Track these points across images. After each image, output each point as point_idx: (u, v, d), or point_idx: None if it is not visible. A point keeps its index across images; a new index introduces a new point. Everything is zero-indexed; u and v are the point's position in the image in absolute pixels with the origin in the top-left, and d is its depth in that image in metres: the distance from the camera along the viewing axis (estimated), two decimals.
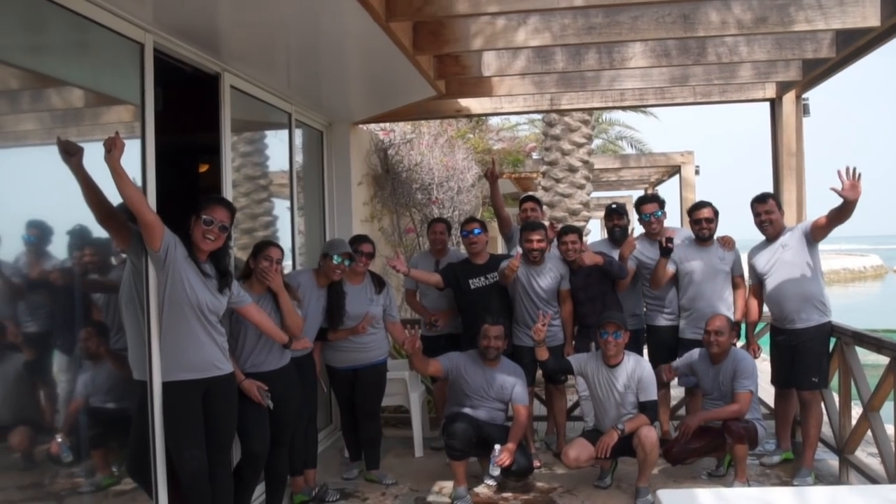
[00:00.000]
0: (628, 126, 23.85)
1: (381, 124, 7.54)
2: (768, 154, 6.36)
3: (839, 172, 4.42)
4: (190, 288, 3.53)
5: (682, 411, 6.06)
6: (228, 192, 4.65)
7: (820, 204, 5.00)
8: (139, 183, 3.60)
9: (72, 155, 3.16)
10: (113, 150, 3.10)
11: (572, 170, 9.29)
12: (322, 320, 4.87)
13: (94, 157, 3.18)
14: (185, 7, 3.60)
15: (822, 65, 5.27)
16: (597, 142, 19.53)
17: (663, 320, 5.59)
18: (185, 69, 4.34)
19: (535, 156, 11.88)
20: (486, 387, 4.93)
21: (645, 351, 5.77)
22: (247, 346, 4.19)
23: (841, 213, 4.62)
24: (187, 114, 4.84)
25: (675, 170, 13.08)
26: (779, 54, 5.04)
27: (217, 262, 3.71)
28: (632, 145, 22.83)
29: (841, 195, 4.47)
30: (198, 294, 3.56)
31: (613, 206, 6.02)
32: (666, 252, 5.17)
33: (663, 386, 5.48)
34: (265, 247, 4.21)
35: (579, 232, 5.42)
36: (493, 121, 12.96)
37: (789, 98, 6.07)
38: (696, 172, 12.23)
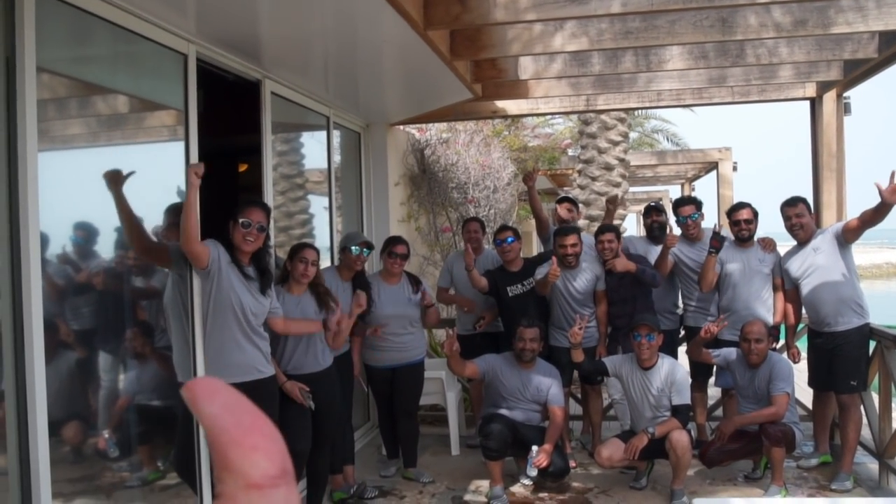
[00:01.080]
0: (665, 120, 23.55)
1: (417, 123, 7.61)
2: (809, 153, 6.28)
3: (893, 174, 4.39)
4: (234, 294, 3.65)
5: (719, 411, 6.02)
6: (269, 192, 4.76)
7: (862, 205, 4.95)
8: (182, 185, 3.73)
9: (115, 183, 3.28)
10: (194, 179, 3.26)
11: (608, 168, 9.27)
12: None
13: (137, 158, 3.30)
14: (227, 19, 3.71)
15: (863, 65, 5.21)
16: (632, 135, 19.33)
17: (706, 323, 5.57)
18: (227, 76, 4.46)
19: (570, 152, 11.85)
20: (522, 388, 4.98)
21: (681, 351, 5.76)
22: (288, 349, 4.30)
23: (876, 215, 4.59)
24: (227, 115, 4.98)
25: (712, 166, 12.92)
26: (819, 55, 5.00)
27: (258, 262, 3.82)
28: (668, 139, 22.58)
29: (882, 194, 4.44)
30: (241, 299, 3.67)
31: (653, 203, 6.05)
32: (715, 250, 5.13)
33: (699, 389, 5.48)
34: (300, 249, 4.31)
35: (616, 231, 5.43)
36: (529, 120, 12.94)
37: (830, 97, 5.99)
38: (734, 169, 12.08)
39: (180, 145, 3.80)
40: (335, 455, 4.78)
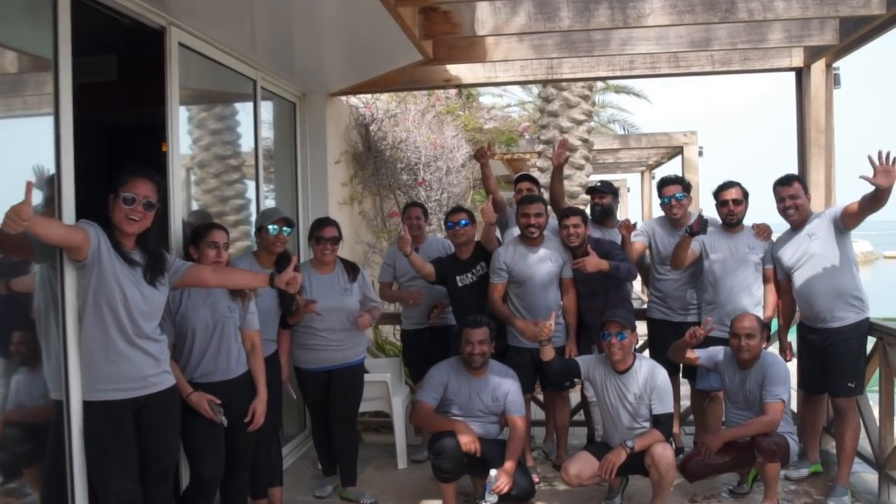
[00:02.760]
0: (622, 108, 23.20)
1: (363, 97, 6.85)
2: (771, 129, 5.77)
3: (870, 158, 3.90)
4: (118, 288, 2.89)
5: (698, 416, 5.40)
6: (177, 172, 3.99)
7: (851, 185, 4.42)
8: (52, 168, 2.96)
9: None
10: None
11: (570, 149, 8.60)
12: (278, 309, 4.22)
13: None
14: None
15: (865, 24, 4.60)
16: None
17: (658, 313, 5.08)
18: (123, 22, 3.64)
19: (528, 136, 11.23)
20: (475, 399, 4.28)
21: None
22: (195, 352, 3.53)
23: (875, 201, 4.09)
24: (145, 85, 4.13)
25: (675, 151, 12.45)
26: (819, 10, 4.36)
27: (144, 245, 3.05)
28: (624, 129, 22.17)
29: (873, 182, 3.93)
30: (126, 294, 2.92)
31: (598, 183, 5.46)
32: (693, 233, 4.51)
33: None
34: (207, 231, 3.56)
35: (584, 214, 4.76)
36: (485, 101, 12.27)
37: (818, 67, 5.43)
38: (700, 154, 11.60)
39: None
40: (257, 477, 4.05)
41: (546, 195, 5.52)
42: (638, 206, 17.92)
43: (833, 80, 5.49)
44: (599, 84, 16.51)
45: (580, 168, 8.65)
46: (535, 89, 15.10)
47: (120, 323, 2.90)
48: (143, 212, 2.97)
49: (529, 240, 4.62)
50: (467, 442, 4.06)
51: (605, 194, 5.25)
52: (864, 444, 4.67)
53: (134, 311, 2.93)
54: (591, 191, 5.38)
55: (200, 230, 3.62)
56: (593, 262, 4.49)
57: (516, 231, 4.81)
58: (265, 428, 3.88)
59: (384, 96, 7.07)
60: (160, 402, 3.09)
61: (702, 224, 4.49)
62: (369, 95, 6.84)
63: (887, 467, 4.41)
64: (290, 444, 5.38)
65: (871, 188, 3.98)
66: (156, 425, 3.08)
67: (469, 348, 4.19)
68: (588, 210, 5.41)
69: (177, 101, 3.98)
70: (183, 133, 4.26)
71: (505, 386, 4.30)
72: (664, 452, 3.99)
